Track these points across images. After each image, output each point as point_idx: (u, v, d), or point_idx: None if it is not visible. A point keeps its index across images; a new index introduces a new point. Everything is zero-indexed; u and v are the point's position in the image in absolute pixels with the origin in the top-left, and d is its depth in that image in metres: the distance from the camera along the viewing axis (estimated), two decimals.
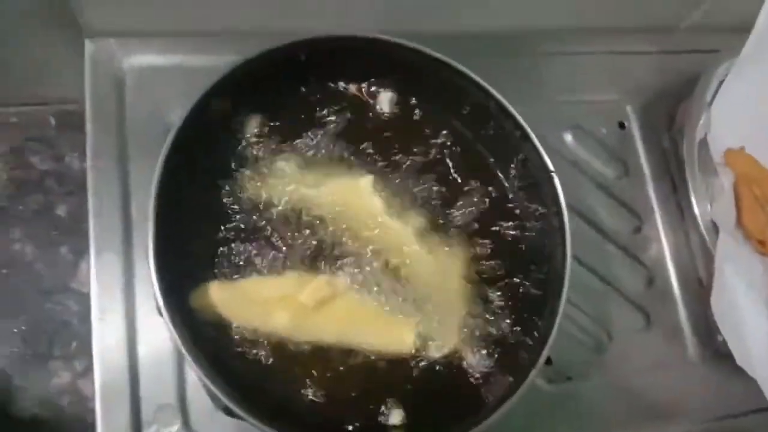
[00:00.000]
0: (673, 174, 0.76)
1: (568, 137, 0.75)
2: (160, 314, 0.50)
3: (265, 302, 0.55)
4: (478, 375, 0.57)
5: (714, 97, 0.72)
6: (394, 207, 0.61)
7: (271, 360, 0.55)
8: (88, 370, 0.72)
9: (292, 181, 0.60)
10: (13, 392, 0.70)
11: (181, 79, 0.66)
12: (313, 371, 0.55)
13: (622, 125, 0.77)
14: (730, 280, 0.65)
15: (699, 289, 0.73)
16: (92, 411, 0.70)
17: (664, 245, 0.74)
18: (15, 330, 0.72)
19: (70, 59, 0.70)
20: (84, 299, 0.74)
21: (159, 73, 0.66)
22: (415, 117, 0.65)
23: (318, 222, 0.59)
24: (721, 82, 0.73)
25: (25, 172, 0.77)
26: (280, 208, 0.59)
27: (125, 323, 0.59)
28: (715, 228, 0.68)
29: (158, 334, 0.59)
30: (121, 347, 0.58)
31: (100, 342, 0.58)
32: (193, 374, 0.59)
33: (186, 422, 0.58)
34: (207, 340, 0.52)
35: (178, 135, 0.52)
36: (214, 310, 0.54)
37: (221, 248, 0.56)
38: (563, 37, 0.78)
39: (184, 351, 0.48)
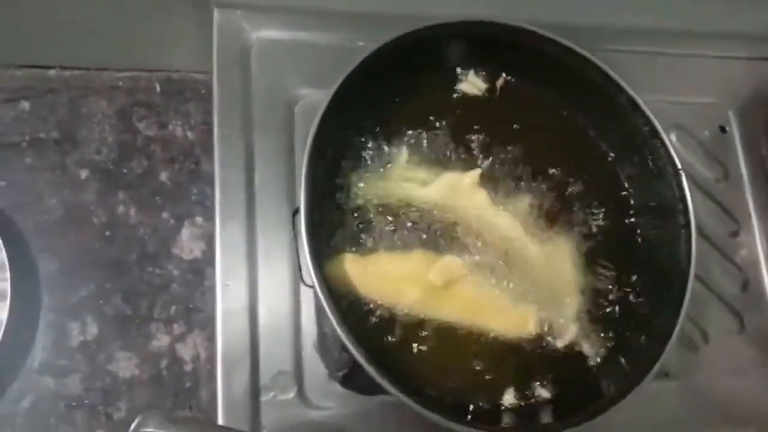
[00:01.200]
0: None
1: (672, 137, 0.75)
2: (304, 283, 0.51)
3: (395, 278, 0.56)
4: (594, 365, 0.58)
5: None
6: (502, 198, 0.61)
7: (395, 334, 0.56)
8: (186, 334, 0.74)
9: (401, 179, 0.60)
10: (114, 351, 0.71)
11: (306, 56, 0.67)
12: (436, 349, 0.56)
13: (723, 129, 0.78)
14: None
15: None
16: (189, 374, 0.73)
17: (760, 250, 0.75)
18: (117, 291, 0.73)
19: (191, 28, 0.71)
20: (184, 265, 0.76)
21: (284, 47, 0.67)
22: (532, 107, 0.65)
23: (430, 218, 0.60)
24: None
25: (131, 136, 0.78)
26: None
27: (248, 290, 0.60)
28: None
29: (278, 302, 0.61)
30: (243, 314, 0.60)
31: (223, 307, 0.60)
32: (309, 344, 0.61)
33: (301, 390, 0.59)
34: (341, 309, 0.53)
35: (332, 103, 0.52)
36: (346, 281, 0.55)
37: (352, 223, 0.58)
38: (669, 38, 0.79)
39: (333, 321, 0.49)
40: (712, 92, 0.79)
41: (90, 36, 0.75)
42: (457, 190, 0.60)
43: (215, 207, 0.61)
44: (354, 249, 0.57)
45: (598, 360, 0.58)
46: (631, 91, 0.59)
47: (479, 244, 0.59)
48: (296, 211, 0.51)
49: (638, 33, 0.78)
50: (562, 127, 0.66)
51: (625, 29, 0.78)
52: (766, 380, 0.72)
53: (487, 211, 0.60)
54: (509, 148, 0.63)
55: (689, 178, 0.73)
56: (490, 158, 0.63)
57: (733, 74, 0.81)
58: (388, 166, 0.60)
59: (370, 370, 0.48)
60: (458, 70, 0.65)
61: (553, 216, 0.61)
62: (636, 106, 0.60)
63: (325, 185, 0.57)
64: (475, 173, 0.61)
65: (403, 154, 0.61)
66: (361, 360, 0.48)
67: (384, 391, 0.50)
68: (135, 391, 0.71)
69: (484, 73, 0.65)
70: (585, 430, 0.53)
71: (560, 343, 0.57)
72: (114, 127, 0.78)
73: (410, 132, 0.62)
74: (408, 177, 0.60)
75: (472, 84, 0.64)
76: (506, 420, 0.56)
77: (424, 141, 0.62)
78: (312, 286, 0.49)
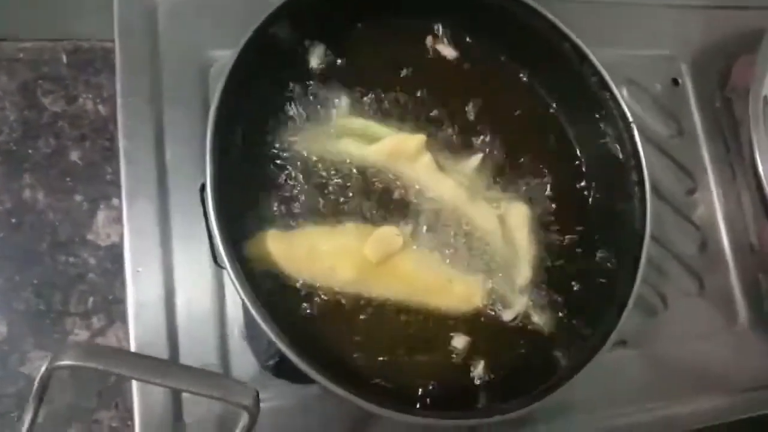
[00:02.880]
0: (726, 134, 0.74)
1: (624, 92, 0.71)
2: (218, 264, 0.45)
3: (325, 254, 0.50)
4: (547, 337, 0.54)
5: None
6: (450, 162, 0.56)
7: (327, 315, 0.51)
8: (107, 327, 0.67)
9: (343, 133, 0.55)
10: (27, 350, 0.65)
11: (220, 12, 0.61)
12: (372, 328, 0.51)
13: (676, 82, 0.74)
14: None
15: (750, 254, 0.71)
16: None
17: (717, 208, 0.72)
18: (27, 283, 0.66)
19: None
20: (101, 252, 0.69)
21: (194, 4, 0.60)
22: (477, 63, 0.60)
23: (371, 179, 0.55)
24: None
25: (36, 113, 0.70)
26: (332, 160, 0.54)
27: (162, 276, 0.54)
28: None
29: (198, 288, 0.55)
30: (159, 303, 0.54)
31: (135, 297, 0.54)
32: (237, 332, 0.55)
33: None
34: (263, 291, 0.48)
35: (236, 65, 0.46)
36: (270, 260, 0.49)
37: (276, 194, 0.52)
38: None
39: (248, 304, 0.43)
40: (665, 43, 0.75)
41: None
42: (401, 153, 0.55)
43: (121, 185, 0.55)
44: (278, 224, 0.51)
45: (551, 332, 0.54)
46: (578, 41, 0.55)
47: (421, 213, 0.54)
48: (203, 187, 0.45)
49: None
50: (512, 86, 0.60)
51: None
52: (729, 343, 0.69)
53: (432, 177, 0.55)
54: (456, 110, 0.58)
55: (642, 133, 0.70)
56: (435, 120, 0.58)
57: (686, 24, 0.77)
58: (327, 119, 0.55)
59: (292, 357, 0.43)
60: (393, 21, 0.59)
61: (502, 181, 0.57)
62: (584, 57, 0.55)
63: (242, 153, 0.51)
64: (421, 137, 0.56)
65: (343, 105, 0.56)
66: (281, 346, 0.42)
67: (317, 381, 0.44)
68: (54, 393, 0.64)
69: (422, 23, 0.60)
70: (542, 406, 0.49)
71: (508, 316, 0.53)
72: (16, 103, 0.70)
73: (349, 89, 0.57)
74: (349, 130, 0.55)
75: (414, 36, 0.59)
76: (454, 403, 0.51)
77: (366, 98, 0.57)
78: (224, 268, 0.43)
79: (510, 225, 0.56)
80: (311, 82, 0.56)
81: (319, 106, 0.55)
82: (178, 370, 0.42)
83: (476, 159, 0.57)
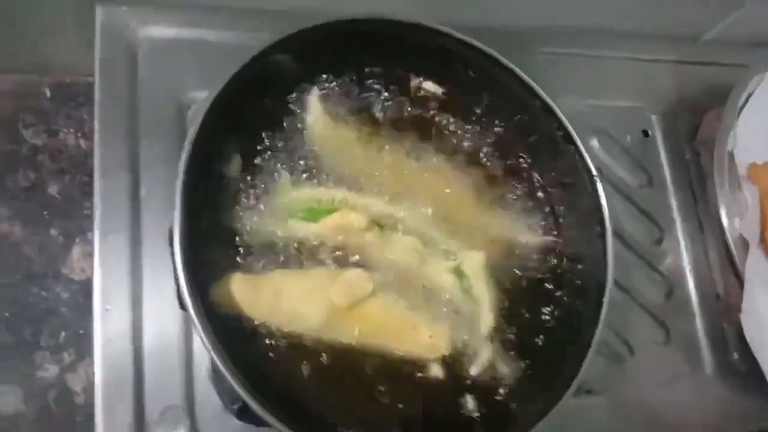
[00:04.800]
0: (694, 186, 0.75)
1: (594, 142, 0.73)
2: (182, 307, 0.45)
3: (292, 299, 0.51)
4: (510, 385, 0.54)
5: (741, 110, 0.71)
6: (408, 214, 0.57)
7: (292, 360, 0.51)
8: (77, 363, 0.68)
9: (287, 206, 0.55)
10: None
11: (199, 55, 0.62)
12: (337, 373, 0.51)
13: (646, 133, 0.76)
14: (760, 295, 0.64)
15: (716, 304, 0.72)
16: (81, 408, 0.66)
17: (684, 258, 0.73)
18: None
19: (75, 26, 0.65)
20: (74, 286, 0.69)
21: (175, 46, 0.62)
22: (443, 112, 0.61)
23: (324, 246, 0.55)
24: (749, 96, 0.72)
25: (16, 145, 0.71)
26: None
27: (131, 315, 0.55)
28: (742, 242, 0.67)
29: (166, 327, 0.55)
30: (126, 341, 0.54)
31: (102, 334, 0.54)
32: (203, 373, 0.55)
33: (194, 425, 0.54)
34: (228, 336, 0.48)
35: (214, 105, 0.47)
36: (236, 304, 0.50)
37: (244, 237, 0.52)
38: (588, 38, 0.77)
39: (210, 349, 0.43)
40: (635, 96, 0.77)
41: None
42: (346, 228, 0.54)
43: (94, 222, 0.55)
44: (243, 268, 0.51)
45: (515, 380, 0.54)
46: (543, 95, 0.56)
47: (381, 266, 0.55)
48: (171, 232, 0.46)
49: (559, 34, 0.76)
50: (478, 134, 0.62)
51: (546, 30, 0.76)
52: (695, 390, 0.70)
53: (381, 245, 0.55)
54: (416, 157, 0.59)
55: (611, 184, 0.72)
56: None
57: (658, 77, 0.79)
58: (272, 192, 0.55)
59: (252, 403, 0.43)
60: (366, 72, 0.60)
61: (462, 229, 0.57)
62: (550, 111, 0.56)
63: (211, 196, 0.52)
64: (362, 219, 0.54)
65: (283, 177, 0.55)
66: (240, 391, 0.43)
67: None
68: (19, 429, 0.64)
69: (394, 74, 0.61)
70: None
71: (475, 370, 0.53)
72: None
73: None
74: (294, 202, 0.54)
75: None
76: None
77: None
78: (187, 311, 0.44)
79: (467, 274, 0.56)
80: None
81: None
82: None
83: (430, 208, 0.57)
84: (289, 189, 0.55)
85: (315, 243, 0.54)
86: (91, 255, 0.69)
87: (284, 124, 0.57)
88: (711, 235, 0.73)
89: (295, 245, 0.53)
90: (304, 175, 0.56)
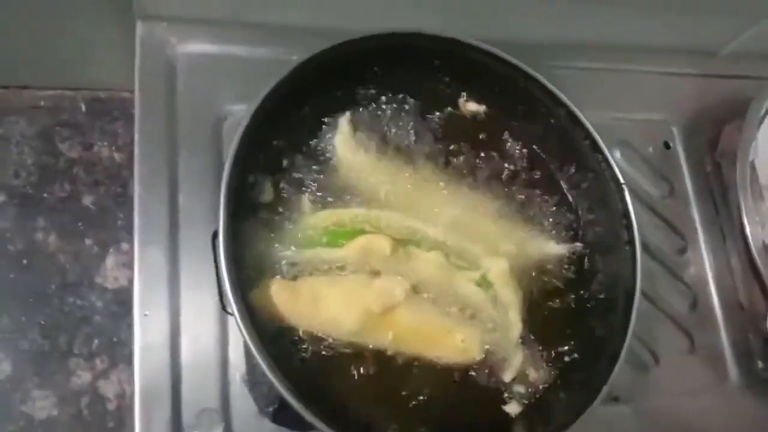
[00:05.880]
0: (716, 197, 0.76)
1: (617, 154, 0.74)
2: (224, 309, 0.47)
3: (329, 304, 0.52)
4: (540, 391, 0.55)
5: (762, 122, 0.73)
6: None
7: (329, 364, 0.52)
8: (109, 370, 0.69)
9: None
10: (30, 389, 0.66)
11: (236, 70, 0.64)
12: (372, 377, 0.52)
13: (667, 145, 0.77)
14: None
15: (740, 313, 0.72)
16: (113, 413, 0.68)
17: (707, 268, 0.73)
18: (34, 324, 0.68)
19: (115, 42, 0.67)
20: (108, 295, 0.71)
21: (212, 61, 0.64)
22: (473, 121, 0.63)
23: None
24: None
25: (53, 158, 0.73)
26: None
27: (169, 321, 0.56)
28: (765, 251, 0.68)
29: (203, 333, 0.57)
30: (164, 346, 0.55)
31: (142, 340, 0.55)
32: (238, 378, 0.56)
33: (228, 427, 0.55)
34: (266, 339, 0.49)
35: (253, 119, 0.49)
36: (274, 309, 0.51)
37: (279, 250, 0.54)
38: (611, 54, 0.78)
39: (253, 349, 0.45)
40: (657, 108, 0.78)
41: (7, 52, 0.70)
42: (372, 252, 0.55)
43: (134, 231, 0.57)
44: (283, 274, 0.53)
45: (544, 386, 0.55)
46: (571, 105, 0.58)
47: (411, 275, 0.56)
48: (215, 234, 0.47)
49: (583, 49, 0.77)
50: (505, 145, 0.63)
51: (571, 45, 0.77)
52: (718, 400, 0.70)
53: (406, 265, 0.56)
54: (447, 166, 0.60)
55: (634, 195, 0.72)
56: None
57: (678, 90, 0.80)
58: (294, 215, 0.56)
59: (294, 402, 0.44)
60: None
61: (487, 240, 0.58)
62: (576, 120, 0.58)
63: (251, 206, 0.53)
64: (388, 241, 0.55)
65: (305, 202, 0.56)
66: (283, 391, 0.44)
67: (317, 428, 0.46)
68: None
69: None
70: None
71: (508, 376, 0.54)
72: (34, 148, 0.73)
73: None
74: (316, 227, 0.55)
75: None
76: None
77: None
78: (232, 314, 0.45)
79: (493, 282, 0.57)
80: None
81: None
82: None
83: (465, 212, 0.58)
84: (310, 213, 0.56)
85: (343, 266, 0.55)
86: (124, 264, 0.71)
87: (313, 146, 0.58)
88: (733, 245, 0.74)
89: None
90: (329, 199, 0.57)
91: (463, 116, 0.63)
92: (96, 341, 0.69)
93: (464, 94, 0.62)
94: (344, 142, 0.58)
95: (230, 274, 0.45)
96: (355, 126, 0.59)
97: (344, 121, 0.58)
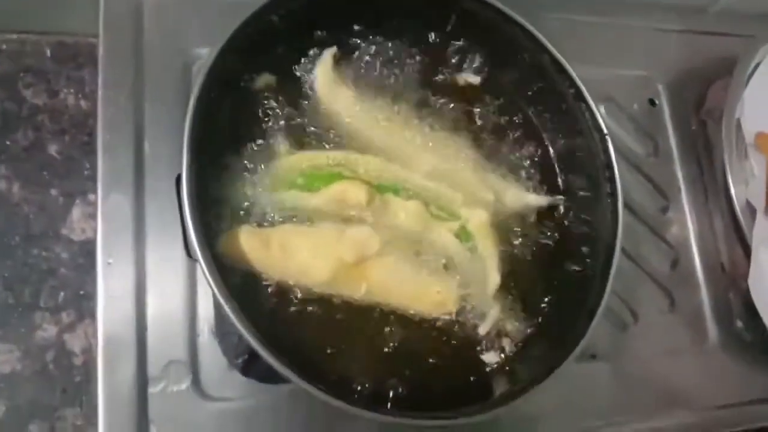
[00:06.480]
0: (701, 156, 0.75)
1: (602, 109, 0.72)
2: (189, 255, 0.45)
3: (300, 254, 0.50)
4: (516, 346, 0.54)
5: (748, 80, 0.71)
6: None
7: (299, 314, 0.50)
8: (76, 323, 0.67)
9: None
10: None
11: (205, 11, 0.61)
12: (344, 328, 0.51)
13: (653, 102, 0.75)
14: (767, 261, 0.64)
15: (721, 274, 0.72)
16: (79, 368, 0.66)
17: (690, 227, 0.73)
18: None
19: None
20: (74, 247, 0.68)
21: (180, 3, 0.61)
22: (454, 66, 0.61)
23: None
24: (756, 66, 0.72)
25: (16, 105, 0.70)
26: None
27: (134, 270, 0.54)
28: (748, 210, 0.67)
29: (170, 284, 0.55)
30: (129, 296, 0.53)
31: (105, 289, 0.53)
32: (207, 329, 0.55)
33: (196, 380, 0.53)
34: (235, 288, 0.47)
35: (214, 65, 0.46)
36: (243, 256, 0.49)
37: (249, 198, 0.52)
38: (597, 6, 0.76)
39: (219, 297, 0.43)
40: (644, 64, 0.77)
41: None
42: (346, 201, 0.53)
43: (98, 177, 0.54)
44: (252, 221, 0.51)
45: (522, 340, 0.54)
46: (555, 51, 0.56)
47: (385, 228, 0.54)
48: (178, 178, 0.45)
49: (570, 0, 0.75)
50: (488, 94, 0.61)
51: None
52: (698, 360, 0.69)
53: (383, 215, 0.54)
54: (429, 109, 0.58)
55: (618, 151, 0.71)
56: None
57: (665, 47, 0.78)
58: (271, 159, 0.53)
59: (263, 352, 0.42)
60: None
61: (466, 189, 0.57)
62: (560, 68, 0.56)
63: (220, 148, 0.51)
64: (363, 192, 0.52)
65: (281, 143, 0.54)
66: (251, 340, 0.42)
67: (289, 379, 0.44)
68: (17, 388, 0.64)
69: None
70: (509, 414, 0.49)
71: (484, 329, 0.53)
72: None
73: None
74: (291, 170, 0.53)
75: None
76: (424, 404, 0.51)
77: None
78: (197, 260, 0.43)
79: (472, 232, 0.55)
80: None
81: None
82: None
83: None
84: (286, 155, 0.54)
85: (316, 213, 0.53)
86: (91, 216, 0.69)
87: (289, 87, 0.56)
88: (716, 204, 0.73)
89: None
90: (306, 140, 0.55)
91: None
92: (62, 294, 0.66)
93: (464, 67, 0.61)
94: (325, 73, 0.56)
95: (194, 218, 0.43)
96: (337, 61, 0.57)
97: (328, 53, 0.56)
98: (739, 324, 0.71)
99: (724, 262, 0.72)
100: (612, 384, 0.65)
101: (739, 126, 0.69)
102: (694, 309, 0.70)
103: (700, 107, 0.76)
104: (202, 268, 0.43)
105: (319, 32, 0.57)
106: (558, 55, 0.56)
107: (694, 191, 0.74)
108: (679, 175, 0.74)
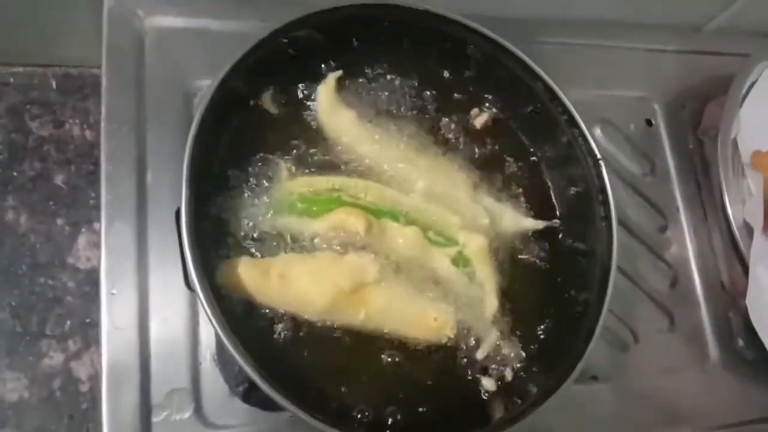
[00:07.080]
0: (698, 175, 0.75)
1: (597, 131, 0.73)
2: (189, 287, 0.46)
3: (298, 283, 0.51)
4: (516, 369, 0.54)
5: (744, 99, 0.72)
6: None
7: (298, 343, 0.51)
8: (83, 351, 0.68)
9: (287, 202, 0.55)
10: (1, 371, 0.65)
11: (206, 43, 0.62)
12: (343, 356, 0.52)
13: (649, 122, 0.76)
14: (765, 279, 0.64)
15: (721, 292, 0.72)
16: (86, 395, 0.66)
17: (689, 246, 0.73)
18: (4, 305, 0.66)
19: (83, 17, 0.65)
20: (80, 275, 0.70)
21: (181, 35, 0.62)
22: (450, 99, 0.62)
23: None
24: (751, 85, 0.72)
25: (23, 136, 0.71)
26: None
27: (137, 299, 0.55)
28: (746, 229, 0.67)
29: (172, 313, 0.56)
30: (132, 325, 0.54)
31: (109, 319, 0.54)
32: (209, 357, 0.55)
33: (199, 408, 0.54)
34: (234, 318, 0.48)
35: (216, 93, 0.48)
36: (242, 287, 0.50)
37: (248, 226, 0.53)
38: (593, 29, 0.77)
39: (218, 328, 0.44)
40: (639, 85, 0.77)
41: None
42: (345, 228, 0.53)
43: (101, 207, 0.55)
44: (252, 247, 0.52)
45: (519, 364, 0.54)
46: (547, 79, 0.57)
47: (384, 254, 0.55)
48: (178, 212, 0.46)
49: (565, 24, 0.76)
50: (483, 119, 0.62)
51: (553, 20, 0.76)
52: (699, 379, 0.69)
53: (382, 241, 0.55)
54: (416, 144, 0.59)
55: (615, 173, 0.72)
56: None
57: (661, 67, 0.79)
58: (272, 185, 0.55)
59: (261, 383, 0.43)
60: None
61: (464, 214, 0.57)
62: (553, 95, 0.57)
63: (221, 179, 0.52)
64: (361, 222, 0.53)
65: (282, 168, 0.55)
66: (249, 371, 0.43)
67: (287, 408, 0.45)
68: (24, 416, 0.64)
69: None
70: None
71: (481, 354, 0.53)
72: (4, 126, 0.72)
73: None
74: (291, 194, 0.54)
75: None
76: (425, 428, 0.51)
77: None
78: (195, 291, 0.44)
79: (470, 258, 0.56)
80: None
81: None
82: None
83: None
84: (287, 180, 0.55)
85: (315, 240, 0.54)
86: (96, 245, 0.70)
87: (291, 113, 0.57)
88: (715, 223, 0.73)
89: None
90: (307, 171, 0.56)
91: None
92: (68, 322, 0.67)
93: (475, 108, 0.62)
94: (327, 95, 0.57)
95: (193, 251, 0.44)
96: (339, 85, 0.58)
97: (332, 76, 0.58)
98: (740, 342, 0.71)
99: (724, 281, 0.72)
100: (613, 405, 0.65)
101: (735, 145, 0.70)
102: (695, 328, 0.70)
103: (696, 126, 0.77)
104: (201, 302, 0.44)
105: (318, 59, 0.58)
106: (550, 82, 0.56)
107: (693, 210, 0.74)
108: (677, 194, 0.74)
